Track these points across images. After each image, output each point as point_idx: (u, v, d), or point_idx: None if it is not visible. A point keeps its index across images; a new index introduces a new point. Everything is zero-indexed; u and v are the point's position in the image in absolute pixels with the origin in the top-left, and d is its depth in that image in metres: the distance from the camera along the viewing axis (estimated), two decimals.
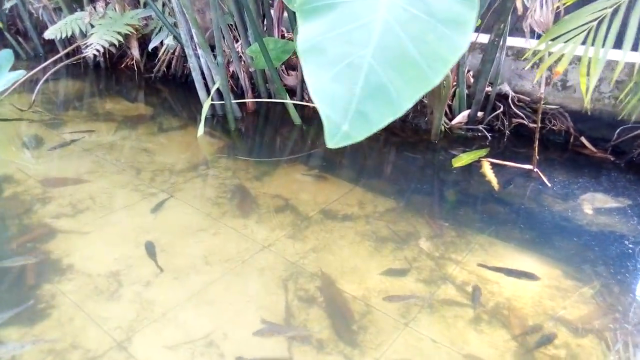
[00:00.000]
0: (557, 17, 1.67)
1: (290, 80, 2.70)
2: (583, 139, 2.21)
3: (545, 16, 1.57)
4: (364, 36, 0.73)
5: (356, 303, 1.40)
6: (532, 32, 1.77)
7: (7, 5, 3.99)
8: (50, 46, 4.24)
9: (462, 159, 2.11)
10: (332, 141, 0.65)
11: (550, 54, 1.67)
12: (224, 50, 2.76)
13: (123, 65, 3.58)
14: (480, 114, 2.38)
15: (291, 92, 2.77)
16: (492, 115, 2.37)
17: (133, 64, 3.49)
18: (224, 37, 2.76)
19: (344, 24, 0.75)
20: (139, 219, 1.75)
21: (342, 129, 0.66)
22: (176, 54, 3.08)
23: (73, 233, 1.66)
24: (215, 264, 1.53)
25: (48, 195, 1.87)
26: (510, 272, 1.53)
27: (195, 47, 2.32)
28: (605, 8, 1.47)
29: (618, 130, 2.10)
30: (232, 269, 1.51)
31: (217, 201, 1.88)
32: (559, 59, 1.62)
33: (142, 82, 3.35)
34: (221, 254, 1.58)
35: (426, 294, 1.43)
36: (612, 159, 2.14)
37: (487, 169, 1.94)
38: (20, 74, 2.52)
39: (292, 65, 2.71)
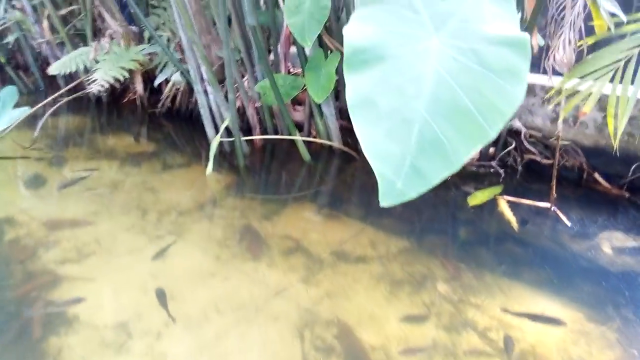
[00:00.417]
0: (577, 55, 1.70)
1: (298, 115, 2.72)
2: (597, 175, 2.21)
3: (567, 55, 1.60)
4: (416, 88, 0.72)
5: (376, 353, 1.36)
6: (539, 65, 1.79)
7: (10, 39, 4.05)
8: (50, 80, 4.28)
9: (477, 197, 2.10)
10: (387, 200, 0.64)
11: (561, 91, 1.69)
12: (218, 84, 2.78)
13: (125, 100, 3.60)
14: (491, 149, 2.38)
15: (298, 127, 2.78)
16: (504, 151, 2.37)
17: (135, 99, 3.51)
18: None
19: (394, 76, 0.74)
20: (147, 263, 1.72)
21: (396, 187, 0.65)
22: (181, 89, 3.10)
23: (79, 280, 1.62)
24: (227, 312, 1.50)
25: (52, 239, 1.85)
26: (534, 318, 1.50)
27: (204, 83, 2.34)
28: (633, 48, 1.50)
29: (633, 166, 2.10)
30: (245, 317, 1.48)
31: (226, 243, 1.86)
32: (586, 98, 1.63)
33: (145, 117, 3.37)
34: (233, 300, 1.55)
35: (448, 342, 1.40)
36: (627, 196, 2.14)
37: (504, 207, 1.93)
38: (25, 111, 2.52)
39: (299, 100, 2.73)
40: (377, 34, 0.75)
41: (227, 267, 1.71)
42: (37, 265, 1.69)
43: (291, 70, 2.81)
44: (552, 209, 2.01)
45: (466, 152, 0.68)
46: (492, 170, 2.38)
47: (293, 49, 2.65)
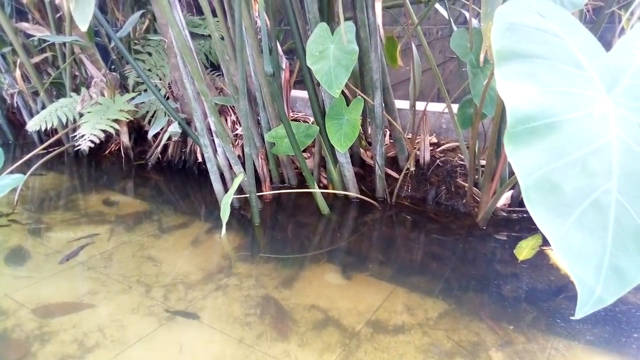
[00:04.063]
0: None
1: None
2: None
3: None
4: (602, 164, 0.62)
5: None
6: None
7: None
8: (18, 131, 4.13)
9: (523, 249, 2.02)
10: (583, 310, 0.55)
11: None
12: (228, 136, 2.70)
13: (107, 152, 3.48)
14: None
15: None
16: None
17: (117, 150, 3.40)
18: (226, 122, 2.72)
19: (573, 149, 0.64)
20: (162, 354, 1.58)
21: (595, 293, 0.55)
22: (173, 139, 3.00)
23: None
24: None
25: (47, 330, 1.69)
26: None
27: (212, 135, 2.26)
28: None
29: None
30: None
31: (246, 320, 1.74)
32: None
33: (132, 170, 3.25)
34: None
35: None
36: None
37: (557, 259, 1.85)
38: (19, 179, 2.33)
39: (304, 149, 2.66)
40: (543, 96, 0.66)
41: (255, 352, 1.59)
42: None
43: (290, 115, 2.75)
44: None
45: None
46: (525, 215, 2.33)
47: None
